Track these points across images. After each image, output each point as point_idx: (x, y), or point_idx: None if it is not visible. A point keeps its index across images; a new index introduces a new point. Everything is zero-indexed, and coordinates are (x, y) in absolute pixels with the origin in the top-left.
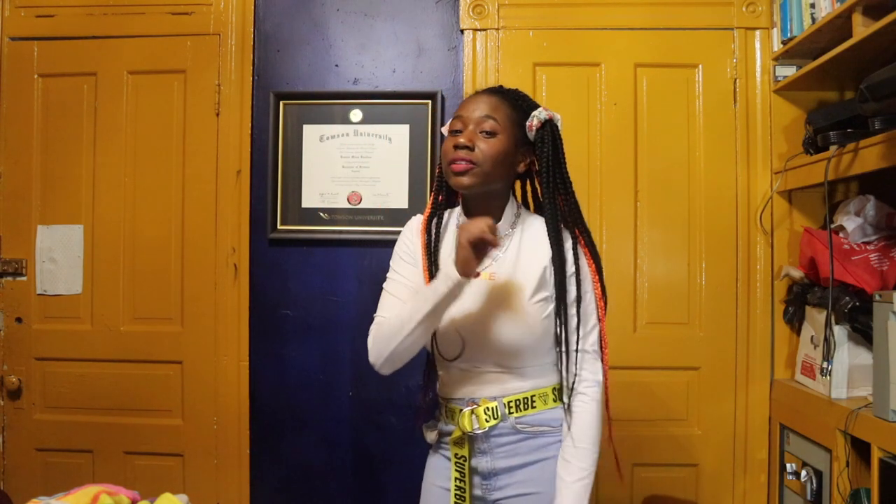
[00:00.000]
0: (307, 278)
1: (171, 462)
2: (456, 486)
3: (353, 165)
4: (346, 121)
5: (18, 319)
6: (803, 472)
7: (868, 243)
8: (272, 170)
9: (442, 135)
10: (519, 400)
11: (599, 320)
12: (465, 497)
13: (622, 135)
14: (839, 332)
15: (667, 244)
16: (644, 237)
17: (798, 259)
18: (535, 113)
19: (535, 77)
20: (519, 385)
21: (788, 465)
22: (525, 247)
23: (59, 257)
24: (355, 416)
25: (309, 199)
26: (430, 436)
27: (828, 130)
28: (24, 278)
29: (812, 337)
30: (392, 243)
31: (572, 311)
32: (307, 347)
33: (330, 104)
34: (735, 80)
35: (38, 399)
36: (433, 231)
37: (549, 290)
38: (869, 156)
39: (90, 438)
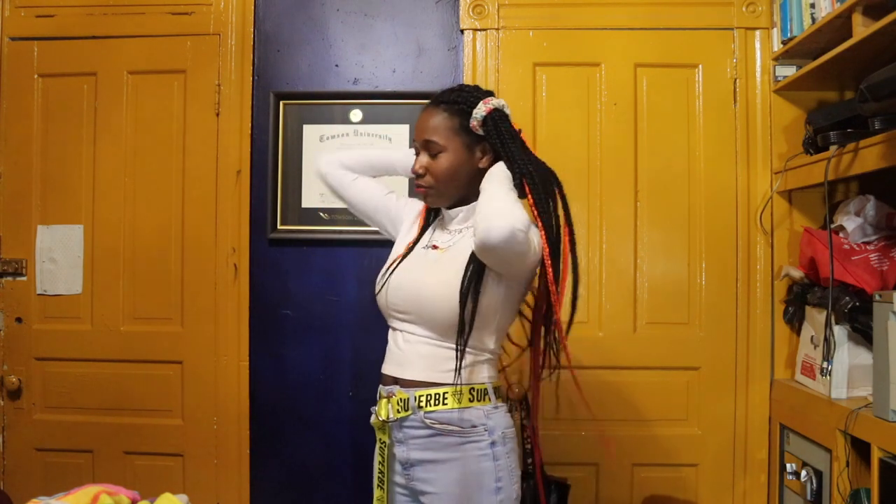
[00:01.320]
0: (307, 278)
1: (171, 462)
2: (378, 469)
3: None
4: (346, 121)
5: (18, 319)
6: (803, 472)
7: (868, 243)
8: (272, 170)
9: None
10: (431, 395)
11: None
12: (384, 481)
13: (622, 135)
14: (839, 332)
15: (667, 244)
16: (644, 237)
17: (798, 259)
18: (473, 113)
19: (535, 77)
20: (439, 374)
21: (788, 465)
22: None
23: (59, 257)
24: (355, 416)
25: (309, 199)
26: (372, 417)
27: (828, 130)
28: (24, 278)
29: (812, 337)
30: (392, 243)
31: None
32: (307, 347)
33: (330, 104)
34: (735, 80)
35: (38, 399)
36: (431, 214)
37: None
38: (869, 156)
39: (90, 438)
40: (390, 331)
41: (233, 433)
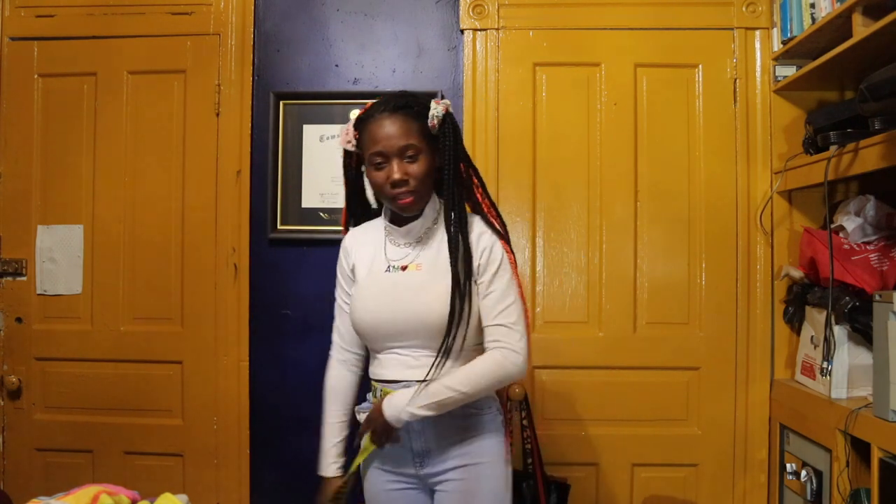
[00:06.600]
0: (307, 278)
1: (171, 462)
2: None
3: None
4: (346, 121)
5: (18, 319)
6: (803, 472)
7: (868, 243)
8: (272, 170)
9: (348, 152)
10: None
11: (519, 298)
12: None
13: (622, 135)
14: (839, 332)
15: (667, 244)
16: (644, 237)
17: (798, 259)
18: (432, 113)
19: (535, 77)
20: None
21: (788, 465)
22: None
23: (59, 257)
24: (355, 416)
25: (309, 199)
26: (364, 417)
27: (828, 130)
28: (24, 278)
29: (812, 337)
30: None
31: (490, 288)
32: (307, 347)
33: (330, 104)
34: (735, 80)
35: (38, 399)
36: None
37: (473, 274)
38: (869, 156)
39: (90, 438)
40: (377, 352)
41: (233, 433)
